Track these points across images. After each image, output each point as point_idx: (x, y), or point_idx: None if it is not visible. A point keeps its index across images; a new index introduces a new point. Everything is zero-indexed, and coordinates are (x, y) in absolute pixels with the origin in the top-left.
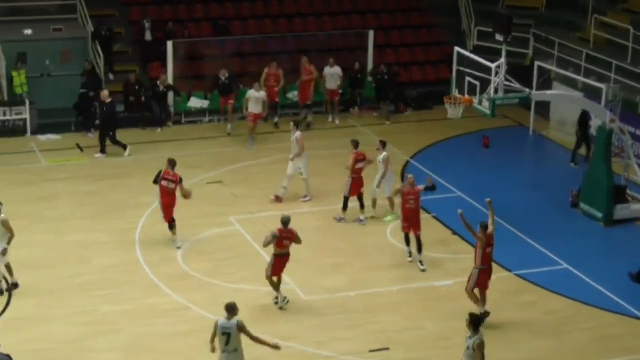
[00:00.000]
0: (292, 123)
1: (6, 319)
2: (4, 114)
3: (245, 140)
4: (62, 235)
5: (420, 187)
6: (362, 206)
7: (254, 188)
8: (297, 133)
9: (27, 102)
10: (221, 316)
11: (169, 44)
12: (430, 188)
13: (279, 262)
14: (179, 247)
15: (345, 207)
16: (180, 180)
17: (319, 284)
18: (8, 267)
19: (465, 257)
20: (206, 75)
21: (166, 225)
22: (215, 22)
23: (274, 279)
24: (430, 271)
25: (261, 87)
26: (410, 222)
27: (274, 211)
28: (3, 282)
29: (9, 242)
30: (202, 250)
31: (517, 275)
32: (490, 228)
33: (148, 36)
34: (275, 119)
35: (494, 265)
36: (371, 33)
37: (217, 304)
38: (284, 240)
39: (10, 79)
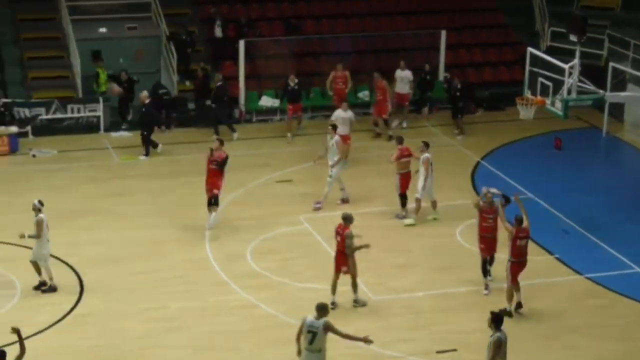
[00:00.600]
0: (330, 126)
1: (77, 315)
2: (78, 111)
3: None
4: (133, 231)
5: (497, 203)
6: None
7: (320, 188)
8: (337, 137)
9: (101, 100)
10: (310, 314)
11: (241, 42)
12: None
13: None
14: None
15: (403, 204)
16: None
17: (387, 285)
18: (36, 266)
19: (536, 259)
20: (278, 74)
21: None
22: (288, 21)
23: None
24: (500, 272)
25: (329, 89)
26: (488, 244)
27: (340, 211)
28: (49, 280)
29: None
30: (271, 249)
31: (588, 278)
32: (525, 222)
33: (219, 33)
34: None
35: (565, 268)
36: (443, 33)
37: (284, 303)
38: (337, 235)
39: (96, 76)
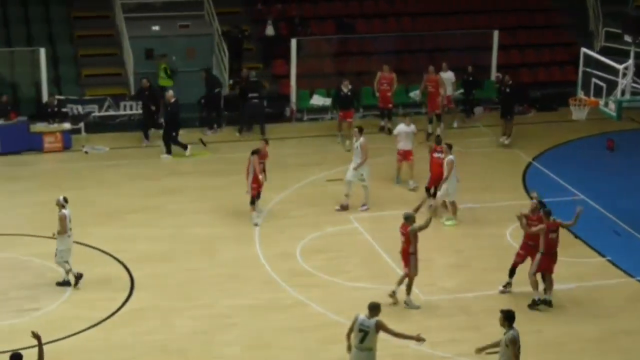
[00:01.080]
0: (356, 129)
1: (129, 310)
2: (131, 108)
3: None
4: (185, 229)
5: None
6: (434, 195)
7: (372, 187)
8: (362, 139)
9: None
10: (362, 312)
11: (293, 41)
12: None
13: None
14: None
15: (430, 195)
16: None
17: (437, 285)
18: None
19: (588, 261)
20: (329, 73)
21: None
22: (339, 20)
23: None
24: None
25: (375, 90)
26: (528, 251)
27: (392, 210)
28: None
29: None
30: (320, 248)
31: None
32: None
33: (270, 31)
34: (389, 125)
35: (617, 270)
36: (496, 33)
37: (334, 302)
38: (402, 235)
39: (164, 71)
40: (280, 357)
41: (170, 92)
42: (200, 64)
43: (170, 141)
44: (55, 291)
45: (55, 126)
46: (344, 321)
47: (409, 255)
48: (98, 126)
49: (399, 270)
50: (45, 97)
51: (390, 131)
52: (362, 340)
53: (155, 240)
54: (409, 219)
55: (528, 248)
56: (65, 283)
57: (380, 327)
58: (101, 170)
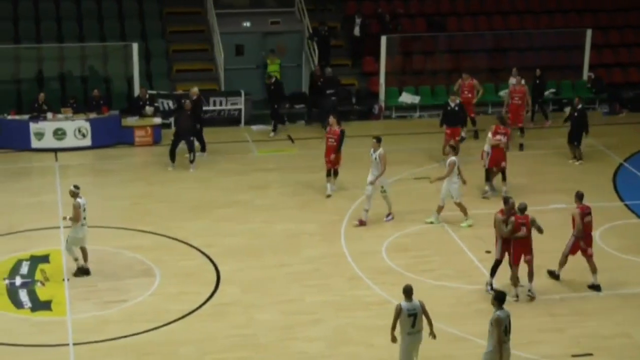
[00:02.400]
0: (374, 139)
1: (215, 304)
2: (220, 104)
3: None
4: (271, 224)
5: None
6: (504, 179)
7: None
8: (381, 150)
9: (243, 93)
10: (402, 301)
11: (383, 39)
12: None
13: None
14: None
15: (488, 178)
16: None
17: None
18: (84, 251)
19: None
20: (418, 71)
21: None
22: (431, 18)
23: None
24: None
25: (457, 96)
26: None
27: (483, 209)
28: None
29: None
30: (406, 246)
31: None
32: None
33: (357, 32)
34: (475, 128)
35: None
36: (589, 32)
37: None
38: (521, 226)
39: (265, 67)
40: (363, 355)
41: (195, 89)
42: (290, 61)
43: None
44: (143, 284)
45: (146, 120)
46: None
47: (525, 244)
48: None
49: (484, 269)
50: (137, 92)
51: (477, 136)
52: (413, 325)
53: (242, 235)
54: (506, 202)
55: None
56: (83, 271)
57: (424, 306)
58: (189, 165)
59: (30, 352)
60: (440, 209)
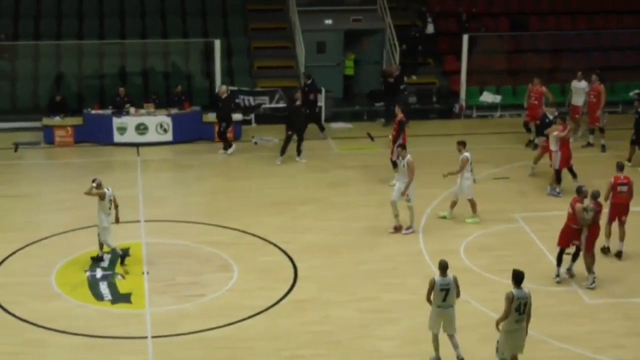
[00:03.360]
0: (399, 148)
1: (291, 301)
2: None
3: None
4: (349, 222)
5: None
6: (574, 176)
7: (538, 187)
8: (409, 157)
9: (323, 91)
10: (436, 276)
11: (465, 37)
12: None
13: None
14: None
15: (559, 180)
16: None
17: (603, 288)
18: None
19: None
20: (500, 70)
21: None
22: (513, 17)
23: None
24: None
25: (525, 103)
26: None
27: (557, 211)
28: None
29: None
30: (485, 246)
31: None
32: None
33: (430, 29)
34: (537, 140)
35: None
36: None
37: (495, 300)
38: (598, 213)
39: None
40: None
41: (224, 88)
42: (371, 58)
43: (219, 136)
44: (221, 279)
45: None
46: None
47: (570, 229)
48: (268, 118)
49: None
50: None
51: (536, 147)
52: (444, 299)
53: (320, 232)
54: (580, 192)
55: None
56: (123, 256)
57: (456, 281)
58: (269, 161)
59: (110, 343)
60: (453, 204)
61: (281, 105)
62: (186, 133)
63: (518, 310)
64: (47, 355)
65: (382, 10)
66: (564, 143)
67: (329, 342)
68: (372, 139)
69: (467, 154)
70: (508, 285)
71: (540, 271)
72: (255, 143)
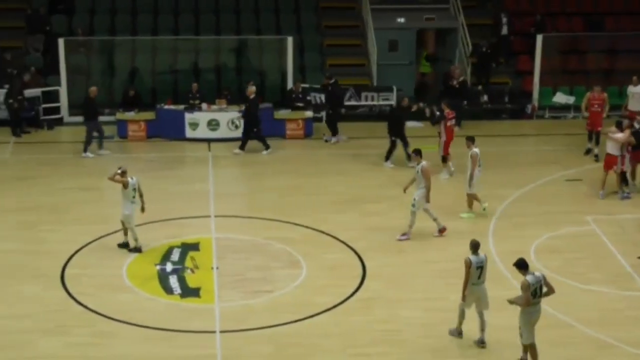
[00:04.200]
0: (413, 152)
1: (359, 299)
2: (372, 99)
3: None
4: (419, 221)
5: None
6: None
7: (610, 190)
8: (424, 163)
9: (395, 89)
10: (470, 256)
11: (539, 37)
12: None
13: None
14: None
15: (625, 181)
16: None
17: None
18: (123, 225)
19: None
20: (574, 70)
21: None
22: (588, 17)
23: None
24: None
25: (584, 111)
26: None
27: (629, 214)
28: (133, 241)
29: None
30: (555, 248)
31: None
32: None
33: (504, 31)
34: (597, 150)
35: None
36: None
37: (565, 303)
38: None
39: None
40: (506, 355)
41: (252, 89)
42: (443, 57)
43: (255, 137)
44: (289, 275)
45: (298, 113)
46: (574, 323)
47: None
48: (338, 115)
49: (636, 275)
50: (290, 85)
51: (597, 158)
52: (479, 276)
53: (389, 231)
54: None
55: None
56: (134, 249)
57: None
58: (339, 158)
59: (179, 337)
60: (470, 200)
61: (352, 103)
62: None
63: (534, 294)
64: (117, 347)
65: (455, 9)
66: (624, 146)
67: (395, 341)
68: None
69: (476, 149)
70: (579, 288)
71: (611, 274)
72: (326, 141)
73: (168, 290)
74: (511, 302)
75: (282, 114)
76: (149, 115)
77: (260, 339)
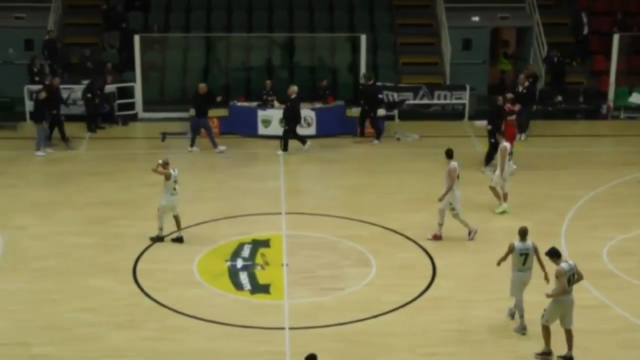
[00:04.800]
0: (445, 153)
1: (429, 298)
2: (445, 98)
3: None
4: (490, 221)
5: None
6: None
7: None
8: (451, 164)
9: (468, 88)
10: (515, 241)
11: (616, 37)
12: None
13: None
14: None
15: None
16: None
17: None
18: (177, 219)
19: None
20: None
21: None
22: None
23: None
24: None
25: None
26: None
27: None
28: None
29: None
30: (629, 250)
31: None
32: None
33: (585, 30)
34: None
35: None
36: None
37: (638, 306)
38: None
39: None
40: (577, 358)
41: (294, 88)
42: (520, 56)
43: (289, 137)
44: (359, 273)
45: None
46: None
47: None
48: (411, 114)
49: None
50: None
51: None
52: (524, 262)
53: (460, 230)
54: None
55: None
56: (157, 239)
57: (536, 248)
58: (410, 157)
59: (248, 333)
60: (504, 196)
61: (425, 101)
62: (329, 127)
63: (569, 282)
64: (187, 342)
65: (530, 8)
66: None
67: (465, 341)
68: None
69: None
70: None
71: None
72: (398, 139)
73: (238, 286)
74: (550, 296)
75: (354, 111)
76: (222, 111)
77: (329, 337)
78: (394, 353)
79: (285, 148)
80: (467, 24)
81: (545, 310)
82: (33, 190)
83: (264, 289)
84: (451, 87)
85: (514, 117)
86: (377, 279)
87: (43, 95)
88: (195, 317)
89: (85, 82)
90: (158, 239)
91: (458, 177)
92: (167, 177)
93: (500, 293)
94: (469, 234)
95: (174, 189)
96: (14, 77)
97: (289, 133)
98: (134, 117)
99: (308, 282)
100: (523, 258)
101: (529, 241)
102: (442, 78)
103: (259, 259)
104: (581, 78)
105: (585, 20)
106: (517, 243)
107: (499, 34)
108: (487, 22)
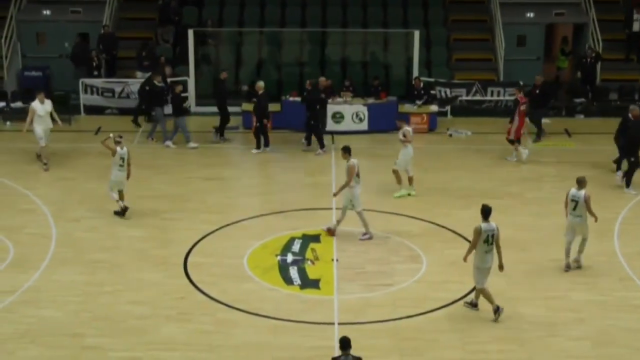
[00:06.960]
0: (342, 150)
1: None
2: (498, 95)
3: None
4: (541, 218)
5: None
6: None
7: None
8: (351, 161)
9: (521, 84)
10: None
11: None
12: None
13: None
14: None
15: None
16: None
17: None
18: (121, 194)
19: None
20: None
21: None
22: None
23: None
24: None
25: None
26: None
27: None
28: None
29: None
30: None
31: None
32: None
33: (636, 27)
34: None
35: None
36: None
37: None
38: None
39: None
40: (628, 358)
41: (260, 84)
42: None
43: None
44: (409, 269)
45: (422, 107)
46: None
47: None
48: (464, 110)
49: None
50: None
51: None
52: (574, 208)
53: (511, 227)
54: None
55: None
56: (118, 213)
57: (587, 199)
58: (464, 153)
59: (298, 328)
60: (410, 179)
61: (478, 98)
62: (381, 123)
63: (487, 241)
64: (237, 336)
65: (586, 4)
66: None
67: (515, 339)
68: (569, 135)
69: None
70: None
71: None
72: (450, 135)
73: (288, 280)
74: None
75: (406, 108)
76: (274, 107)
77: (378, 333)
78: (444, 349)
79: (258, 146)
80: (521, 20)
81: (474, 277)
82: (88, 183)
83: (314, 283)
84: (504, 83)
85: (524, 107)
86: (426, 276)
87: (180, 88)
88: (246, 311)
89: (141, 75)
90: (122, 211)
91: (358, 174)
92: (113, 152)
93: (552, 291)
94: (364, 234)
95: (121, 165)
96: (70, 70)
97: (258, 131)
98: (187, 111)
99: (358, 277)
100: (573, 204)
101: (583, 191)
102: (495, 74)
103: (309, 254)
104: (636, 75)
105: (637, 16)
106: (572, 190)
107: (556, 31)
108: (541, 18)
